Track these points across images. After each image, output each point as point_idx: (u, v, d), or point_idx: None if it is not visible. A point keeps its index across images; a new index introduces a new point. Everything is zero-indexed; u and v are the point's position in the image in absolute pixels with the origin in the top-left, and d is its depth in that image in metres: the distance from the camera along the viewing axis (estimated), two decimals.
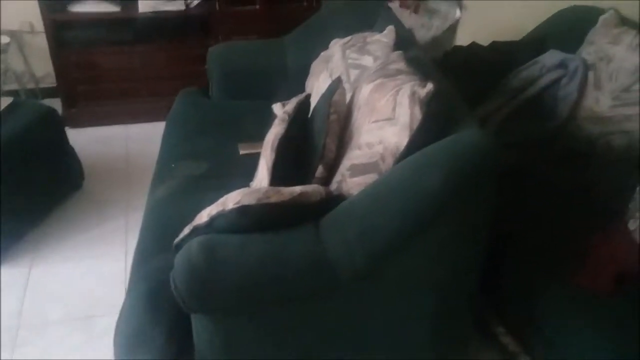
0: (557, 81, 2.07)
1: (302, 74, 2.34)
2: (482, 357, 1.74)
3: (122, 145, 2.90)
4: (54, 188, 2.35)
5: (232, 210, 1.28)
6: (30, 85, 3.28)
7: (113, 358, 1.42)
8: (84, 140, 2.77)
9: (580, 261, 1.50)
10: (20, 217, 2.17)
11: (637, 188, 1.58)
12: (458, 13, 3.35)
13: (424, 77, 1.53)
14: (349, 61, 1.98)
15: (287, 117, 1.58)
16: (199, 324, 1.27)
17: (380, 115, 1.46)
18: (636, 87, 1.89)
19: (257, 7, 3.10)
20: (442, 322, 1.45)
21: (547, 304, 1.50)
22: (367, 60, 1.94)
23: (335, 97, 1.62)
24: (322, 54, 2.29)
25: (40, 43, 3.07)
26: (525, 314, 1.57)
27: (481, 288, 1.51)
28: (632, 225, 1.54)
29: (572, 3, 2.34)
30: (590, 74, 2.03)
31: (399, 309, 1.37)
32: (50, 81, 3.22)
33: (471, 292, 1.46)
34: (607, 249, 1.50)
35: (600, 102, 1.97)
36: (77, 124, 3.02)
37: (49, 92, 3.24)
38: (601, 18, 2.12)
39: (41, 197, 2.27)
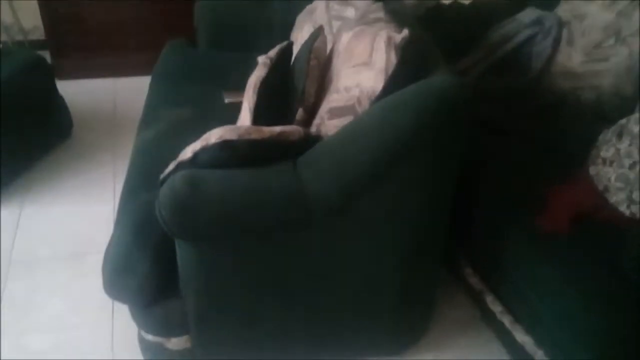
0: (532, 37, 2.14)
1: (288, 27, 2.39)
2: (451, 295, 1.86)
3: (110, 97, 2.95)
4: (43, 135, 2.40)
5: (214, 145, 1.35)
6: (19, 38, 3.29)
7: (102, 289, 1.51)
8: (73, 91, 2.81)
9: (543, 204, 1.60)
10: (11, 162, 2.23)
11: (599, 136, 1.67)
12: None
13: (402, 25, 1.60)
14: (332, 12, 2.04)
15: (269, 62, 1.64)
16: (183, 251, 1.36)
17: (358, 60, 1.53)
18: (607, 43, 1.97)
19: None
20: (412, 257, 1.53)
21: (507, 244, 1.60)
22: (350, 12, 1.99)
23: (317, 43, 1.68)
24: (307, 7, 2.33)
25: None
26: (491, 255, 1.68)
27: (452, 233, 1.61)
28: (592, 170, 1.63)
29: None
30: (565, 31, 2.10)
31: (371, 243, 1.46)
32: (38, 34, 3.23)
33: (441, 230, 1.55)
34: (568, 193, 1.59)
35: (572, 58, 2.05)
36: (66, 76, 3.05)
37: (37, 45, 3.25)
38: None
39: (31, 143, 2.33)
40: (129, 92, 2.97)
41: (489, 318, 1.71)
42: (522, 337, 1.55)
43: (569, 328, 1.41)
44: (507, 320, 1.62)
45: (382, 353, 1.68)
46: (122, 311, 1.60)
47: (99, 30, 3.12)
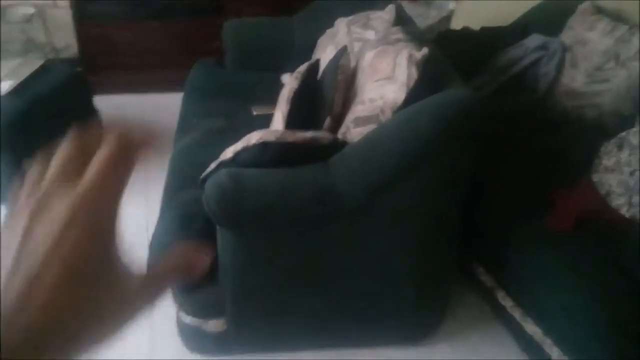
0: (538, 61, 2.32)
1: (309, 49, 2.57)
2: (463, 294, 1.99)
3: (139, 110, 3.12)
4: None
5: (255, 145, 1.51)
6: (50, 56, 3.48)
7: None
8: (103, 106, 2.98)
9: (550, 206, 1.74)
10: None
11: (601, 147, 1.83)
12: (452, 5, 3.61)
13: (420, 44, 1.77)
14: (354, 35, 2.22)
15: (300, 76, 1.81)
16: (224, 240, 1.50)
17: (381, 75, 1.70)
18: (607, 66, 2.14)
19: None
20: (428, 251, 1.67)
21: (518, 244, 1.74)
22: (370, 34, 2.17)
23: (342, 61, 1.85)
24: (328, 31, 2.52)
25: (61, 16, 3.28)
26: (501, 254, 1.82)
27: (463, 235, 1.75)
28: (595, 177, 1.78)
29: None
30: (568, 55, 2.28)
31: (392, 237, 1.60)
32: (69, 52, 3.43)
33: (455, 226, 1.69)
34: (574, 196, 1.74)
35: (575, 79, 2.22)
36: (97, 91, 3.22)
37: (68, 63, 3.44)
38: (579, 7, 2.37)
39: None
40: (156, 108, 3.14)
41: (499, 312, 1.84)
42: (531, 328, 1.68)
43: (575, 319, 1.55)
44: (517, 314, 1.75)
45: (401, 343, 1.80)
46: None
47: (127, 50, 3.32)
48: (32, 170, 0.32)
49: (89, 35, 3.20)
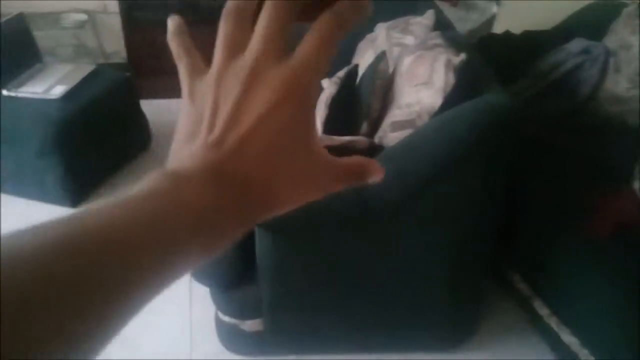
0: (580, 65, 2.28)
1: (348, 54, 2.60)
2: (498, 302, 1.98)
3: None
4: (126, 146, 2.66)
5: None
6: (100, 61, 3.62)
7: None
8: (149, 110, 3.08)
9: (590, 213, 1.72)
10: (100, 167, 2.50)
11: None
12: (495, 8, 3.57)
13: (459, 50, 1.78)
14: (393, 40, 2.24)
15: (338, 81, 1.85)
16: (262, 242, 1.54)
17: (419, 80, 1.72)
18: None
19: None
20: (461, 255, 1.67)
21: (555, 251, 1.73)
22: (409, 40, 2.19)
23: (381, 66, 1.88)
24: (367, 36, 2.54)
25: (111, 22, 3.41)
26: (537, 262, 1.80)
27: (500, 243, 1.75)
28: (636, 185, 1.75)
29: None
30: (612, 60, 2.24)
31: (424, 240, 1.62)
32: (117, 58, 3.56)
33: (489, 232, 1.69)
34: (613, 203, 1.72)
35: (619, 84, 2.17)
36: (143, 96, 3.34)
37: (117, 68, 3.58)
38: (625, 10, 2.32)
39: (117, 151, 2.59)
40: None
41: (536, 321, 1.83)
42: (568, 338, 1.66)
43: (612, 329, 1.53)
44: (554, 323, 1.73)
45: (434, 349, 1.81)
46: (200, 297, 1.79)
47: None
48: (228, 31, 0.33)
49: (137, 40, 3.32)
